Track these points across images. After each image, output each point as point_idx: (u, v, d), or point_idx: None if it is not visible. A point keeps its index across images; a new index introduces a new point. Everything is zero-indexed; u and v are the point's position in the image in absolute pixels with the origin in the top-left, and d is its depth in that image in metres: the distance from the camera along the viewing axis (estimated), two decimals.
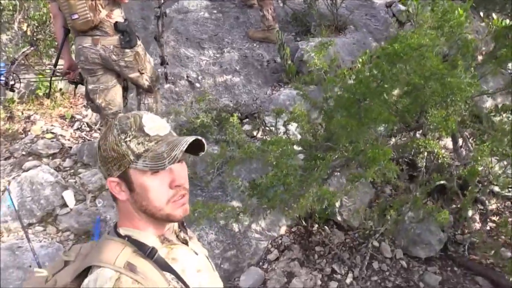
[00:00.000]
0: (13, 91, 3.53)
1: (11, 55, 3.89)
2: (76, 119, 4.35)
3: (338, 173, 2.51)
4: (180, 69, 4.52)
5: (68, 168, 3.75)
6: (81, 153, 3.84)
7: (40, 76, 4.40)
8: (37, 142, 3.93)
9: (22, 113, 4.35)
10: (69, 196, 3.37)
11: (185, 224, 1.22)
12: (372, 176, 1.65)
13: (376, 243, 3.13)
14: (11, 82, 3.27)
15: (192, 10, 5.06)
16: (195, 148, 1.08)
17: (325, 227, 3.30)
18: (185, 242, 1.16)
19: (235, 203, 3.37)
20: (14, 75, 3.28)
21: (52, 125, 4.23)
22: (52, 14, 3.07)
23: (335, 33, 4.62)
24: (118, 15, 2.97)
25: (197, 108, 3.89)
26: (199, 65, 4.56)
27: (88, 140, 4.06)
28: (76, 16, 2.79)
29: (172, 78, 4.44)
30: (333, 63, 3.12)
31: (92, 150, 3.83)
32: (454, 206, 3.22)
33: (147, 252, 1.02)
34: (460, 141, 2.93)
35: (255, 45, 4.72)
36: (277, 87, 4.42)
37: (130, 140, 1.00)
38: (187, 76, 4.47)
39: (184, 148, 1.00)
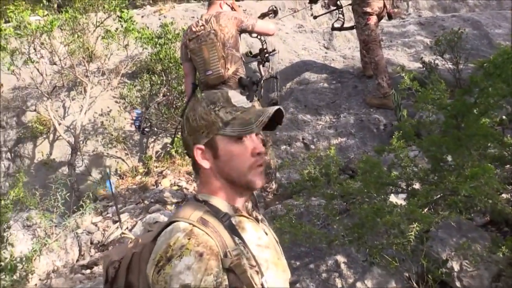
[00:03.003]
0: (144, 134, 4.03)
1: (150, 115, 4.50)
2: None
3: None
4: (297, 132, 4.72)
5: None
6: None
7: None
8: (164, 192, 4.37)
9: (156, 168, 4.93)
10: None
11: (258, 205, 1.27)
12: (468, 191, 1.46)
13: None
14: (143, 125, 3.76)
15: (312, 81, 5.37)
16: (273, 123, 1.16)
17: None
18: (257, 221, 1.19)
19: (340, 257, 3.21)
20: (147, 120, 3.77)
21: (179, 179, 4.69)
22: (185, 73, 3.59)
23: None
24: (242, 73, 3.38)
25: (308, 164, 3.96)
26: (315, 129, 4.72)
27: None
28: (210, 72, 3.26)
29: (289, 140, 4.65)
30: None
31: None
32: None
33: (220, 216, 1.08)
34: None
35: (372, 110, 4.74)
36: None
37: (219, 110, 1.12)
38: (303, 139, 4.64)
39: (271, 115, 1.10)
